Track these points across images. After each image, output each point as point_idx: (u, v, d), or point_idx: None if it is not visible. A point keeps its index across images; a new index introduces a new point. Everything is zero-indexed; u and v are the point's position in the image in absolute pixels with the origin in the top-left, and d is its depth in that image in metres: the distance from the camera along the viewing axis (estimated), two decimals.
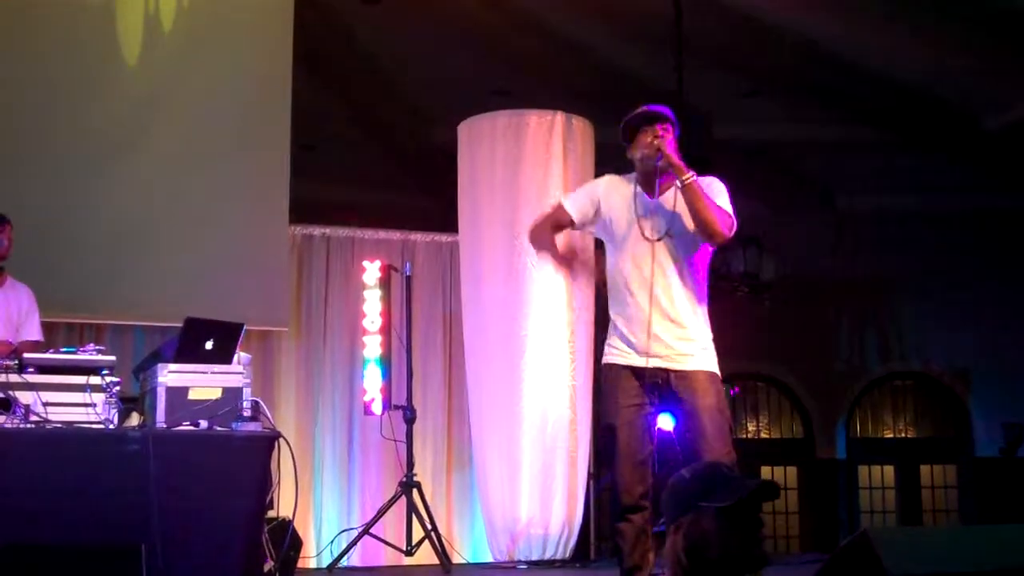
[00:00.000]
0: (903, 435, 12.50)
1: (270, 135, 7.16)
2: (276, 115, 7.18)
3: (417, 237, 7.78)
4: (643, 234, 4.07)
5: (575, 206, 4.26)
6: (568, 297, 6.89)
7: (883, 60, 9.03)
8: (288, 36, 7.26)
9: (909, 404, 12.54)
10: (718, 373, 4.09)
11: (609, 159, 7.80)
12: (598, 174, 7.20)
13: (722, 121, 9.34)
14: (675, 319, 4.04)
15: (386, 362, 6.73)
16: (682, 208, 4.06)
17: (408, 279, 6.79)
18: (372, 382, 6.72)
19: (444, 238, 7.74)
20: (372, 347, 6.79)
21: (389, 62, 9.23)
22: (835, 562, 3.69)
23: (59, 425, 4.08)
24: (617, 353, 4.12)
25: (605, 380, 4.16)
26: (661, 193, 4.13)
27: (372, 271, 6.89)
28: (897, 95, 9.68)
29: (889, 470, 12.34)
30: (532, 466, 6.73)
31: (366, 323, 6.85)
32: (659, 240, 4.06)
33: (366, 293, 6.89)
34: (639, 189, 4.16)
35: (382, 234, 7.71)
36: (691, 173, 4.01)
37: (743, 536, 2.66)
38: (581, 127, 7.17)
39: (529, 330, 6.79)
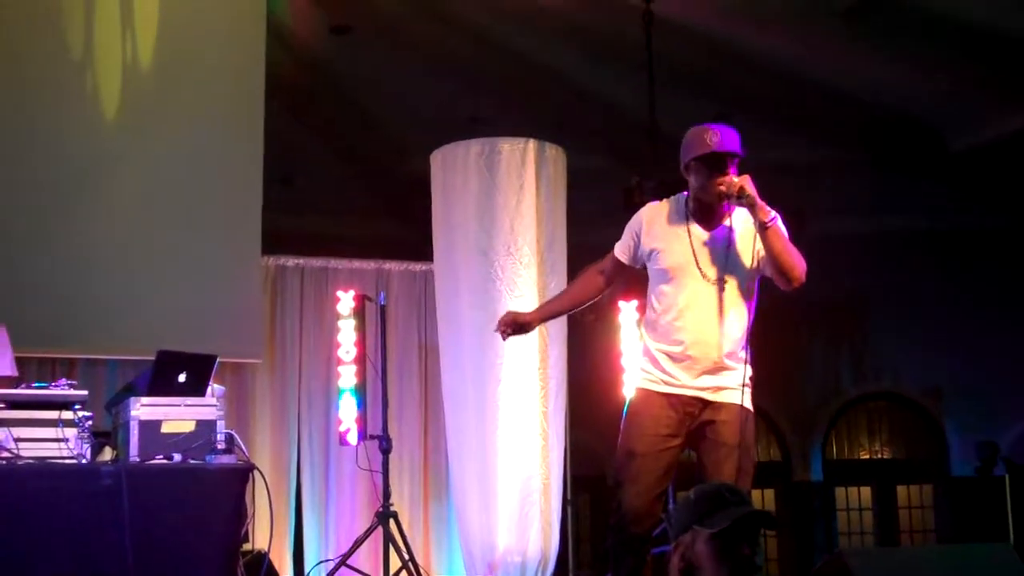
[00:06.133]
0: (879, 456, 12.55)
1: (242, 167, 7.16)
2: (249, 147, 7.18)
3: (391, 266, 7.77)
4: (702, 274, 3.89)
5: (620, 246, 4.13)
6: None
7: (852, 83, 9.12)
8: (260, 68, 7.27)
9: (884, 425, 12.59)
10: (752, 410, 3.95)
11: (582, 185, 7.88)
12: (571, 200, 7.32)
13: None
14: (725, 363, 3.91)
15: (361, 392, 6.70)
16: (744, 243, 3.90)
17: (383, 308, 6.77)
18: (347, 412, 6.69)
19: (418, 267, 7.74)
20: (347, 377, 6.76)
21: (361, 92, 9.26)
22: None
23: (31, 461, 4.04)
24: (654, 381, 3.98)
25: (635, 405, 4.01)
26: (717, 225, 3.94)
27: (346, 301, 6.87)
28: (867, 117, 9.78)
29: (866, 491, 12.36)
30: (509, 494, 6.71)
31: (341, 353, 6.83)
32: (719, 282, 3.89)
33: (340, 323, 6.87)
34: (693, 221, 3.96)
35: (356, 264, 7.70)
36: (773, 213, 3.81)
37: (733, 564, 2.66)
38: (554, 154, 7.19)
39: (505, 358, 6.78)
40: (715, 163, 3.85)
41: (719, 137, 3.87)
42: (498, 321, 4.32)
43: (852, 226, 11.56)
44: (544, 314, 4.44)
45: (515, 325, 4.27)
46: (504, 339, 4.34)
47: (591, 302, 4.36)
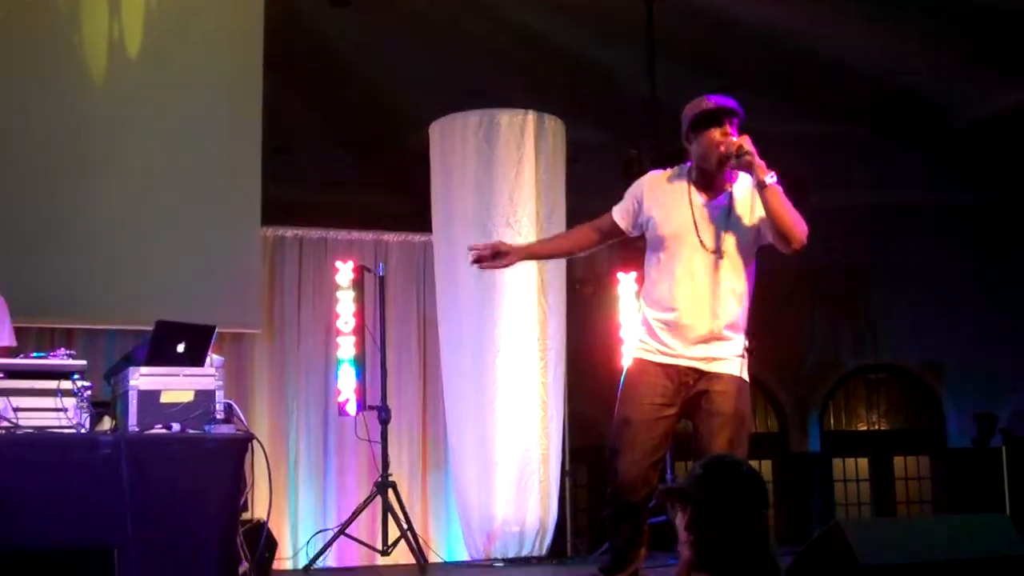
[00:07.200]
0: (876, 427, 12.58)
1: (241, 138, 7.14)
2: (247, 118, 7.16)
3: (390, 237, 7.77)
4: (700, 242, 3.86)
5: (619, 210, 4.08)
6: (539, 294, 6.90)
7: (854, 57, 9.09)
8: (258, 39, 7.24)
9: (882, 397, 12.62)
10: (747, 380, 3.92)
11: (581, 157, 7.86)
12: (570, 172, 7.31)
13: None
14: (722, 334, 3.88)
15: (360, 363, 6.72)
16: (743, 211, 3.88)
17: (381, 279, 6.78)
18: (346, 383, 6.71)
19: (417, 238, 7.74)
20: (346, 348, 6.78)
21: (360, 63, 9.21)
22: (808, 553, 3.72)
23: (30, 430, 4.04)
24: (650, 351, 3.95)
25: (631, 374, 3.99)
26: (719, 193, 3.92)
27: (345, 272, 6.88)
28: (869, 92, 9.75)
29: (863, 462, 12.42)
30: (508, 465, 6.74)
31: (339, 324, 6.85)
32: (717, 251, 3.86)
33: (339, 294, 6.88)
34: (694, 189, 3.93)
35: (355, 235, 7.70)
36: (772, 174, 3.77)
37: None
38: (553, 126, 7.18)
39: (503, 328, 6.80)
40: (713, 119, 3.86)
41: (716, 97, 3.90)
42: (477, 246, 4.16)
43: (854, 199, 11.54)
44: (528, 252, 4.41)
45: (492, 251, 4.12)
46: (476, 263, 4.13)
47: (577, 254, 4.39)
